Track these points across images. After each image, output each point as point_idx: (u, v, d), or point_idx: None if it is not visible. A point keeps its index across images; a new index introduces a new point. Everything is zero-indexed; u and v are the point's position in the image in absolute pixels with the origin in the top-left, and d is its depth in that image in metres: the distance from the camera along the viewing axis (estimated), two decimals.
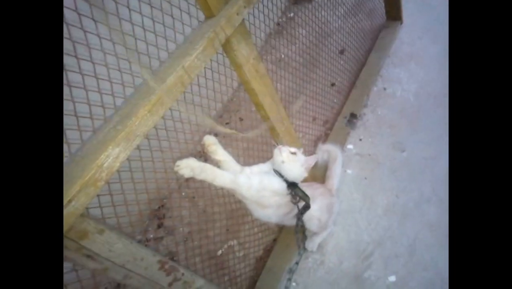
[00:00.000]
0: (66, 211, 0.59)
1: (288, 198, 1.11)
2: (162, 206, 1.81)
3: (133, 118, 0.68)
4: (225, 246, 1.61)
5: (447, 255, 1.40)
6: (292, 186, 1.10)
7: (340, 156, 1.59)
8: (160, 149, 1.01)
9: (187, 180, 1.91)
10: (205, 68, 1.19)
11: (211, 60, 1.18)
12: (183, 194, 1.86)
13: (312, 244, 1.50)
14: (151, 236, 1.73)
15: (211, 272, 1.40)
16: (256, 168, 1.13)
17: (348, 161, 1.77)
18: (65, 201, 0.59)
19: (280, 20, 2.61)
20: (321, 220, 1.34)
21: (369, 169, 1.73)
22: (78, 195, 0.60)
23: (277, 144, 1.17)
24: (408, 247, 1.47)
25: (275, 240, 1.59)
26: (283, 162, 1.10)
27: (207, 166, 0.96)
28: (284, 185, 1.10)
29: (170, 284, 0.92)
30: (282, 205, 1.13)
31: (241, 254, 1.55)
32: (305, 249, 1.51)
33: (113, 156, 0.64)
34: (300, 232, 1.16)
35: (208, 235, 1.59)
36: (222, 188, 1.08)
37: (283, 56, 2.28)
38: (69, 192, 0.59)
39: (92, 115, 0.69)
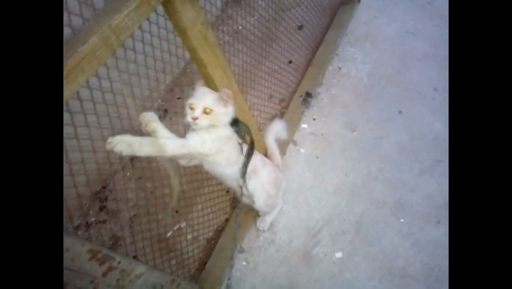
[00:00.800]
0: None
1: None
2: (104, 187, 1.66)
3: None
4: (174, 228, 1.54)
5: (390, 231, 1.49)
6: (235, 123, 1.05)
7: (273, 129, 1.51)
8: (100, 126, 0.88)
9: (132, 159, 1.77)
10: (152, 35, 1.06)
11: (158, 26, 1.05)
12: (127, 174, 1.72)
13: (263, 224, 1.49)
14: (93, 219, 1.59)
15: (160, 256, 1.33)
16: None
17: (302, 140, 1.76)
18: None
19: None
20: (269, 194, 1.31)
21: (321, 148, 1.74)
22: None
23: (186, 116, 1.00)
24: (355, 224, 1.53)
25: (227, 220, 1.56)
26: (211, 126, 0.98)
27: (147, 138, 0.87)
28: (228, 127, 1.04)
29: (104, 274, 0.83)
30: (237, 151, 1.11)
31: (191, 236, 1.49)
32: (258, 229, 1.50)
33: None
34: (243, 178, 1.12)
35: (156, 218, 1.50)
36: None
37: (240, 27, 2.16)
38: None
39: None
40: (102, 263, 0.81)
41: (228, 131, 1.05)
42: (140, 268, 0.93)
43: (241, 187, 1.15)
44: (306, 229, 1.52)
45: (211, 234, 1.52)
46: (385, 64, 2.02)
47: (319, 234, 1.50)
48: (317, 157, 1.70)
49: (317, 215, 1.55)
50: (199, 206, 1.51)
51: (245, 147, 1.16)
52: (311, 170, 1.67)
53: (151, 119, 0.92)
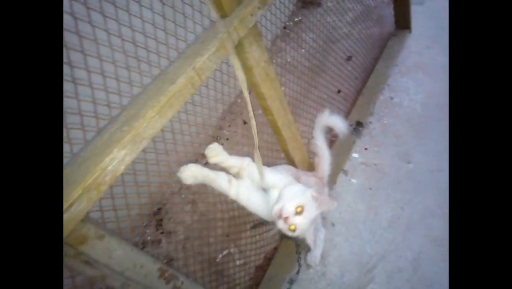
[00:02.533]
0: (66, 216, 0.55)
1: None
2: (161, 208, 1.77)
3: (141, 119, 0.64)
4: (225, 252, 1.57)
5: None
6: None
7: (324, 143, 1.42)
8: (166, 152, 0.97)
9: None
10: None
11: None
12: (183, 196, 1.82)
13: (314, 259, 1.45)
14: (149, 238, 1.69)
15: (210, 280, 1.36)
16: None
17: (353, 170, 1.73)
18: (65, 206, 0.55)
19: (287, 23, 2.59)
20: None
21: (374, 179, 1.69)
22: (79, 199, 0.56)
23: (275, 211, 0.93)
24: (412, 262, 1.43)
25: (275, 248, 1.55)
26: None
27: (211, 175, 0.94)
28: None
29: None
30: None
31: (241, 262, 1.51)
32: (308, 265, 1.47)
33: (118, 159, 0.61)
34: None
35: (208, 241, 1.55)
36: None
37: (289, 59, 2.25)
38: (70, 196, 0.55)
39: (97, 114, 0.66)
40: (168, 281, 0.87)
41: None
42: None
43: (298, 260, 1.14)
44: (359, 264, 1.46)
45: (260, 261, 1.53)
46: (440, 94, 1.95)
47: (374, 270, 1.43)
48: (370, 189, 1.66)
49: (370, 250, 1.49)
50: (248, 233, 1.54)
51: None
52: (364, 202, 1.62)
53: (215, 153, 0.98)
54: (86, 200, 0.57)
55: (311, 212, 0.94)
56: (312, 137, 1.47)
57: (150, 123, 0.65)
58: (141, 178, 0.98)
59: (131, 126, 0.64)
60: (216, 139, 2.00)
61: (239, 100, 2.24)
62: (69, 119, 0.60)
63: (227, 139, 2.05)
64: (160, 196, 1.76)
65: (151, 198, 1.70)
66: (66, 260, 0.63)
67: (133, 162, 0.87)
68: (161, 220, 1.75)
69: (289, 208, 0.91)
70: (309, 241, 1.17)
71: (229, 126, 2.12)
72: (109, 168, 0.60)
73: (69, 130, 0.61)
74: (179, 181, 0.90)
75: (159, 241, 1.68)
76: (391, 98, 2.00)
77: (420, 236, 1.49)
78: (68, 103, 0.63)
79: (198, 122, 1.25)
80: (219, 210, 1.55)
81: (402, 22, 2.23)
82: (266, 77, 1.05)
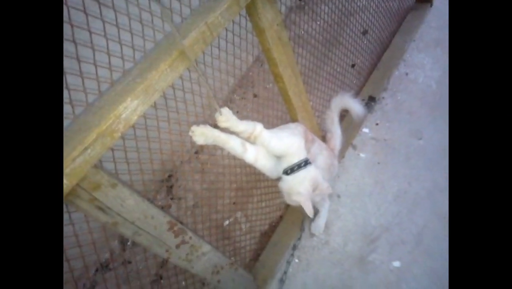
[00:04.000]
0: (81, 158, 0.58)
1: None
2: (172, 175, 1.82)
3: (153, 72, 0.65)
4: (232, 219, 1.62)
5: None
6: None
7: (338, 120, 1.47)
8: (177, 111, 0.99)
9: (197, 152, 1.91)
10: (219, 38, 1.16)
11: (226, 29, 1.14)
12: (192, 165, 1.86)
13: (318, 228, 1.49)
14: (160, 203, 1.75)
15: (217, 241, 1.41)
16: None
17: (362, 144, 1.73)
18: (81, 149, 0.58)
19: None
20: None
21: (383, 154, 1.69)
22: (94, 143, 0.59)
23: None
24: (416, 235, 1.45)
25: (281, 216, 1.59)
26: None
27: (222, 136, 0.95)
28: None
29: (177, 246, 0.92)
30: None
31: (247, 226, 1.56)
32: (311, 233, 1.50)
33: (131, 108, 0.62)
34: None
35: (216, 206, 1.60)
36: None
37: (302, 32, 2.20)
38: (85, 140, 0.58)
39: (112, 67, 0.67)
40: (177, 235, 0.91)
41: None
42: (206, 247, 1.02)
43: None
44: (362, 234, 1.49)
45: (265, 227, 1.57)
46: None
47: (377, 241, 1.46)
48: (378, 163, 1.66)
49: (375, 222, 1.51)
50: (255, 199, 1.58)
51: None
52: (371, 176, 1.63)
53: (225, 119, 0.98)
54: (100, 145, 0.60)
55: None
56: (327, 113, 1.48)
57: (162, 75, 0.66)
58: (154, 145, 1.00)
59: (144, 77, 0.65)
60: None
61: (250, 73, 2.23)
62: (74, 81, 0.62)
63: (237, 112, 2.06)
64: (171, 164, 1.80)
65: (163, 165, 1.75)
66: (82, 204, 0.67)
67: (147, 129, 0.90)
68: (172, 186, 1.80)
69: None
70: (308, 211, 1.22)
71: (240, 99, 2.12)
72: (123, 116, 0.62)
73: (73, 91, 0.63)
74: (188, 150, 0.93)
75: (169, 207, 1.75)
76: (406, 74, 1.95)
77: (425, 211, 1.50)
78: (72, 64, 0.64)
79: (209, 95, 1.25)
80: (227, 180, 1.59)
81: None
82: (278, 41, 1.03)
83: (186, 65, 0.71)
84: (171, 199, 1.76)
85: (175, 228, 0.89)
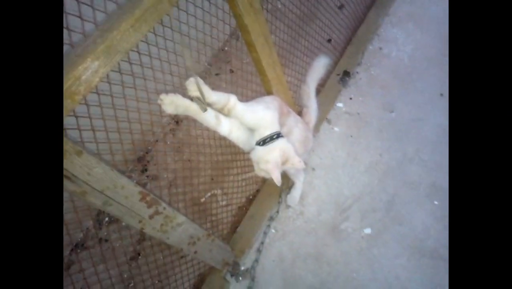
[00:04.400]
0: None
1: None
2: (147, 153, 1.79)
3: (115, 31, 0.62)
4: (209, 194, 1.63)
5: (423, 212, 1.47)
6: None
7: (314, 94, 1.49)
8: (156, 91, 0.95)
9: (172, 129, 1.88)
10: (195, 6, 1.12)
11: None
12: (168, 142, 1.83)
13: (293, 199, 1.53)
14: (134, 181, 1.71)
15: (194, 218, 1.42)
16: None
17: (336, 119, 1.76)
18: None
19: None
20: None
21: (356, 127, 1.73)
22: None
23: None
24: (386, 203, 1.52)
25: (258, 190, 1.62)
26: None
27: (192, 106, 0.93)
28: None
29: (151, 217, 0.92)
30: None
31: (224, 202, 1.57)
32: (287, 205, 1.54)
33: (92, 70, 0.60)
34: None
35: (192, 183, 1.60)
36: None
37: (279, 5, 2.16)
38: None
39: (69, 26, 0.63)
40: (150, 206, 0.90)
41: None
42: (181, 218, 1.02)
43: None
44: (335, 204, 1.55)
45: (242, 200, 1.60)
46: (428, 46, 1.93)
47: (349, 210, 1.52)
48: (351, 136, 1.70)
49: (347, 192, 1.57)
50: (232, 177, 1.59)
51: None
52: (344, 149, 1.67)
53: (195, 87, 0.95)
54: None
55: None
56: (302, 87, 1.48)
57: (124, 35, 0.63)
58: (123, 124, 0.96)
59: (104, 38, 0.62)
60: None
61: (226, 48, 2.18)
62: None
63: (213, 89, 2.02)
64: (144, 143, 1.76)
65: (135, 145, 1.71)
66: None
67: (116, 109, 0.85)
68: (146, 165, 1.78)
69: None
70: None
71: (216, 74, 2.08)
72: (83, 77, 0.59)
73: None
74: (164, 126, 0.89)
75: (145, 185, 1.72)
76: (380, 48, 1.98)
77: (396, 180, 1.57)
78: None
79: (181, 73, 1.21)
80: (204, 158, 1.58)
81: None
82: (250, 7, 1.01)
83: (150, 26, 0.68)
84: (147, 177, 1.73)
85: (148, 198, 0.89)
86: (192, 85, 0.98)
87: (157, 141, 1.85)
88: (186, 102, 0.93)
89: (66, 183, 0.69)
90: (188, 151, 1.76)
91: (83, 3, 0.66)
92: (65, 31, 0.65)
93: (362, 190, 1.56)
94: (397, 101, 1.78)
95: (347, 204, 1.54)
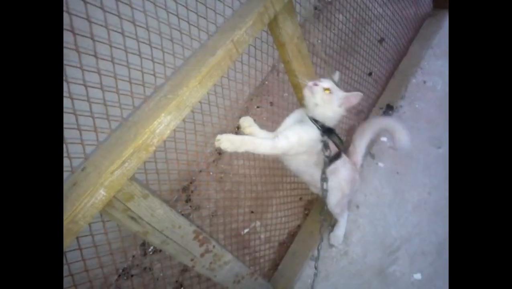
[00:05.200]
0: (119, 172, 0.61)
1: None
2: (191, 183, 1.86)
3: (184, 88, 0.69)
4: (249, 226, 1.63)
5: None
6: (327, 133, 1.04)
7: (369, 133, 1.44)
8: (202, 123, 1.02)
9: (215, 160, 1.94)
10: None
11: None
12: (210, 173, 1.89)
13: (337, 239, 1.48)
14: (179, 210, 1.78)
15: (234, 250, 1.43)
16: (285, 125, 1.09)
17: (381, 154, 1.72)
18: (119, 163, 0.61)
19: (318, 4, 2.53)
20: (343, 193, 1.29)
21: (402, 163, 1.67)
22: (131, 157, 0.62)
23: (305, 82, 1.03)
24: (437, 246, 1.43)
25: (299, 226, 1.60)
26: (316, 105, 1.02)
27: (246, 137, 0.96)
28: (318, 133, 1.04)
29: (202, 255, 0.94)
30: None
31: (265, 236, 1.56)
32: (330, 244, 1.50)
33: (164, 124, 0.66)
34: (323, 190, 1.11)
35: (233, 214, 1.62)
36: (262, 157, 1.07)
37: (318, 41, 2.22)
38: (123, 154, 0.61)
39: (144, 83, 0.71)
40: (202, 244, 0.93)
41: (315, 135, 1.06)
42: (228, 256, 1.03)
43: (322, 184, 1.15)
44: (382, 245, 1.48)
45: (283, 237, 1.58)
46: None
47: (397, 252, 1.44)
48: (397, 173, 1.64)
49: (395, 233, 1.49)
50: (273, 208, 1.59)
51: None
52: (390, 186, 1.62)
53: (248, 124, 1.02)
54: (136, 158, 0.63)
55: (338, 97, 1.04)
56: (360, 128, 1.46)
57: (193, 92, 0.69)
58: (171, 155, 1.03)
59: (175, 94, 0.68)
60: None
61: (266, 82, 2.26)
62: (120, 85, 0.66)
63: (255, 120, 2.09)
64: (189, 173, 1.84)
65: (180, 175, 1.79)
66: (116, 214, 0.70)
67: (164, 140, 0.92)
68: (190, 195, 1.84)
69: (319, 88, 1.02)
70: (332, 201, 1.22)
71: (258, 107, 2.15)
72: (157, 131, 0.65)
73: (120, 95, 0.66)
74: (209, 154, 0.95)
75: (188, 215, 1.78)
76: (424, 81, 1.94)
77: (446, 221, 1.47)
78: (119, 70, 0.68)
79: (226, 105, 1.28)
80: (245, 187, 1.61)
81: (441, 1, 2.12)
82: (298, 54, 1.06)
83: (214, 80, 0.74)
84: (190, 207, 1.79)
85: (200, 237, 0.92)
86: (245, 121, 1.03)
87: (200, 171, 1.92)
88: (239, 136, 0.97)
89: (131, 224, 0.75)
90: (229, 181, 1.80)
91: (156, 62, 0.73)
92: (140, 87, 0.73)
93: (410, 231, 1.48)
94: (444, 136, 1.71)
95: (395, 246, 1.46)
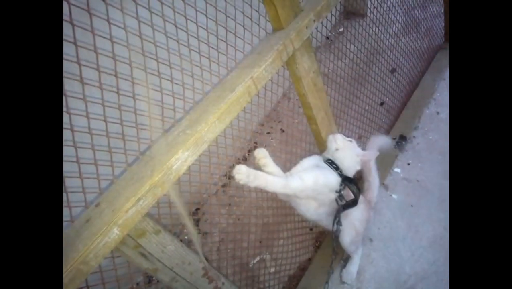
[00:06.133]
0: (134, 209, 0.60)
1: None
2: (198, 209, 1.83)
3: (203, 124, 0.68)
4: (258, 258, 1.58)
5: None
6: (347, 180, 1.06)
7: (374, 167, 1.40)
8: (219, 155, 1.01)
9: (224, 186, 1.92)
10: None
11: None
12: (219, 198, 1.86)
13: (350, 275, 1.41)
14: (186, 237, 1.74)
15: (243, 285, 1.38)
16: (300, 166, 1.09)
17: (394, 185, 1.68)
18: (134, 200, 0.60)
19: (329, 34, 2.59)
20: (357, 232, 1.26)
21: (416, 196, 1.63)
22: (146, 194, 0.61)
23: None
24: None
25: (309, 259, 1.54)
26: (337, 149, 1.08)
27: (260, 173, 0.95)
28: (338, 180, 1.06)
29: None
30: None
31: (273, 270, 1.51)
32: (342, 281, 1.44)
33: (182, 160, 0.65)
34: (335, 235, 1.10)
35: (241, 245, 1.58)
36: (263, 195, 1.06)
37: (329, 70, 2.25)
38: (139, 191, 0.60)
39: (164, 117, 0.71)
40: (211, 281, 0.90)
41: (333, 180, 1.06)
42: None
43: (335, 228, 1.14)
44: (396, 282, 1.41)
45: (293, 271, 1.52)
46: None
47: None
48: (411, 206, 1.60)
49: (409, 270, 1.43)
50: (281, 242, 1.54)
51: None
52: (404, 219, 1.56)
53: (263, 155, 1.01)
54: (152, 196, 0.62)
55: (356, 149, 1.12)
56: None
57: (211, 127, 0.69)
58: (183, 177, 1.02)
59: (194, 129, 0.68)
60: (255, 146, 2.04)
61: (278, 108, 2.27)
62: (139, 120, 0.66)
63: (265, 146, 2.08)
64: (198, 196, 1.82)
65: (189, 198, 1.77)
66: (127, 251, 0.68)
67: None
68: (198, 220, 1.81)
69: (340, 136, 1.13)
70: (346, 240, 1.19)
71: (268, 133, 2.15)
72: (174, 167, 0.64)
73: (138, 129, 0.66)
74: (216, 183, 0.93)
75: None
76: (437, 113, 1.92)
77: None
78: (138, 105, 0.69)
79: (234, 135, 1.28)
80: (253, 215, 1.57)
81: None
82: (314, 87, 1.06)
83: (233, 116, 0.74)
84: (198, 233, 1.75)
85: (209, 274, 0.88)
86: (259, 153, 1.03)
87: (209, 196, 1.89)
88: (254, 170, 0.96)
89: (141, 261, 0.72)
90: (239, 209, 1.77)
91: (176, 97, 0.74)
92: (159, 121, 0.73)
93: (426, 268, 1.42)
94: None
95: (410, 284, 1.39)
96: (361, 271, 1.44)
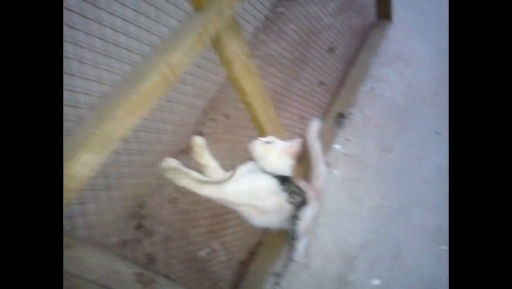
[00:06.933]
0: None
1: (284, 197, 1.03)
2: (141, 205, 1.73)
3: (110, 121, 0.60)
4: (208, 249, 1.55)
5: (431, 258, 1.42)
6: (284, 181, 1.03)
7: (318, 151, 1.44)
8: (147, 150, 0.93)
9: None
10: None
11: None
12: (163, 194, 1.77)
13: (299, 254, 1.45)
14: (129, 237, 1.64)
15: (192, 278, 1.34)
16: (243, 170, 1.06)
17: (335, 161, 1.74)
18: None
19: (269, 14, 2.53)
20: (310, 226, 1.29)
21: (355, 170, 1.71)
22: None
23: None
24: (392, 250, 1.47)
25: (259, 243, 1.55)
26: (260, 157, 1.03)
27: (192, 172, 0.90)
28: (274, 182, 1.02)
29: None
30: (283, 207, 1.05)
31: (224, 258, 1.50)
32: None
33: (83, 164, 0.56)
34: (291, 238, 1.09)
35: (189, 237, 1.53)
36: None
37: (270, 52, 2.21)
38: None
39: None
40: (145, 285, 0.84)
41: (268, 184, 1.02)
42: None
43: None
44: (340, 254, 1.49)
45: (244, 256, 1.52)
46: (420, 85, 1.97)
47: (355, 259, 1.46)
48: (351, 179, 1.67)
49: (352, 240, 1.51)
50: (230, 230, 1.53)
51: None
52: (345, 193, 1.64)
53: (200, 143, 0.95)
54: None
55: (279, 148, 1.07)
56: (305, 146, 1.43)
57: (120, 123, 0.61)
58: (125, 169, 0.93)
59: (99, 128, 0.59)
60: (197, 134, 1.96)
61: (222, 95, 2.19)
62: None
63: (210, 134, 2.01)
64: (139, 195, 1.71)
65: (129, 198, 1.65)
66: None
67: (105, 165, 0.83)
68: (142, 218, 1.71)
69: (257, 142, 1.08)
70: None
71: (212, 120, 2.08)
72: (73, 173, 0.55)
73: None
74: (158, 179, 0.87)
75: (140, 241, 1.64)
76: (373, 88, 2.01)
77: (400, 225, 1.52)
78: None
79: (175, 119, 1.21)
80: (201, 208, 1.53)
81: (383, 12, 2.22)
82: (246, 71, 1.01)
83: (148, 108, 0.66)
84: (142, 232, 1.66)
85: (144, 279, 0.82)
86: (196, 141, 0.97)
87: (152, 192, 1.79)
88: (184, 170, 0.90)
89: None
90: (185, 203, 1.70)
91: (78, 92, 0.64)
92: None
93: (367, 237, 1.51)
94: (394, 141, 1.78)
95: (353, 253, 1.48)
96: (308, 247, 1.49)
